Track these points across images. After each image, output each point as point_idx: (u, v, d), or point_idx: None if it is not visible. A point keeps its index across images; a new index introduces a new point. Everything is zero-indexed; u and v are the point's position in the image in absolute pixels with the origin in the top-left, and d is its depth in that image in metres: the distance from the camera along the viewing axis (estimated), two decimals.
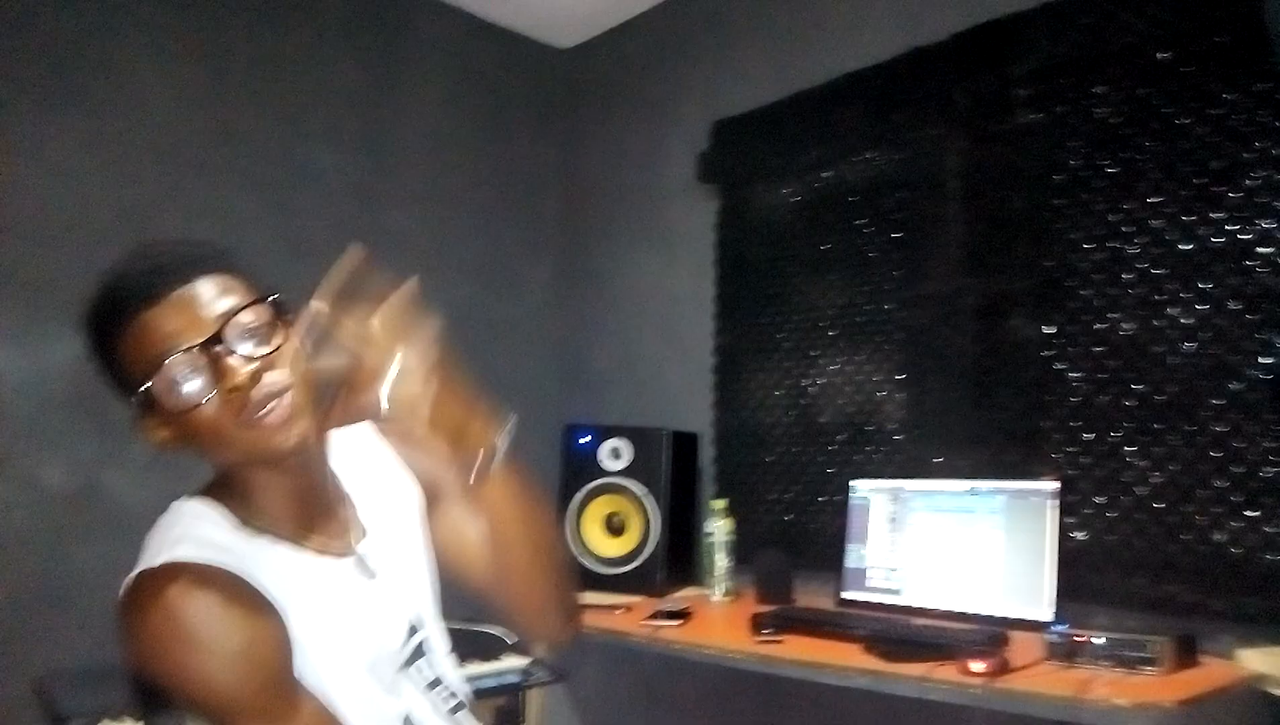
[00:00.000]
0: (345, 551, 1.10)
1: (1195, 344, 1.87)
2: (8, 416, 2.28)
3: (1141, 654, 1.50)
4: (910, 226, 2.33)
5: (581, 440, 2.63)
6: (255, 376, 0.95)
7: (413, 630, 1.15)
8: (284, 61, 2.76)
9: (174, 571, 0.94)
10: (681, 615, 2.09)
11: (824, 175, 2.53)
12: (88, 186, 2.41)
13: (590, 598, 2.38)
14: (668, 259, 2.96)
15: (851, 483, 2.26)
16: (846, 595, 2.18)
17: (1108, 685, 1.44)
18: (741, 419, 2.68)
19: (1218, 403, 1.83)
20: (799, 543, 2.49)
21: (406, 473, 1.20)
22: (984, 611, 1.93)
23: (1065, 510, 1.93)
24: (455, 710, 1.16)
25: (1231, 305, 1.83)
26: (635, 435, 2.58)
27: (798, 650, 1.80)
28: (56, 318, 2.35)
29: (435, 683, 1.15)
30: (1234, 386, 1.82)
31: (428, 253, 2.99)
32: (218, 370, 0.95)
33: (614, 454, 2.59)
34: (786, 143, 2.59)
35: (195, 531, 1.01)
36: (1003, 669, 1.53)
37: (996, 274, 2.15)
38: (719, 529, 2.37)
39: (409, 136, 3.00)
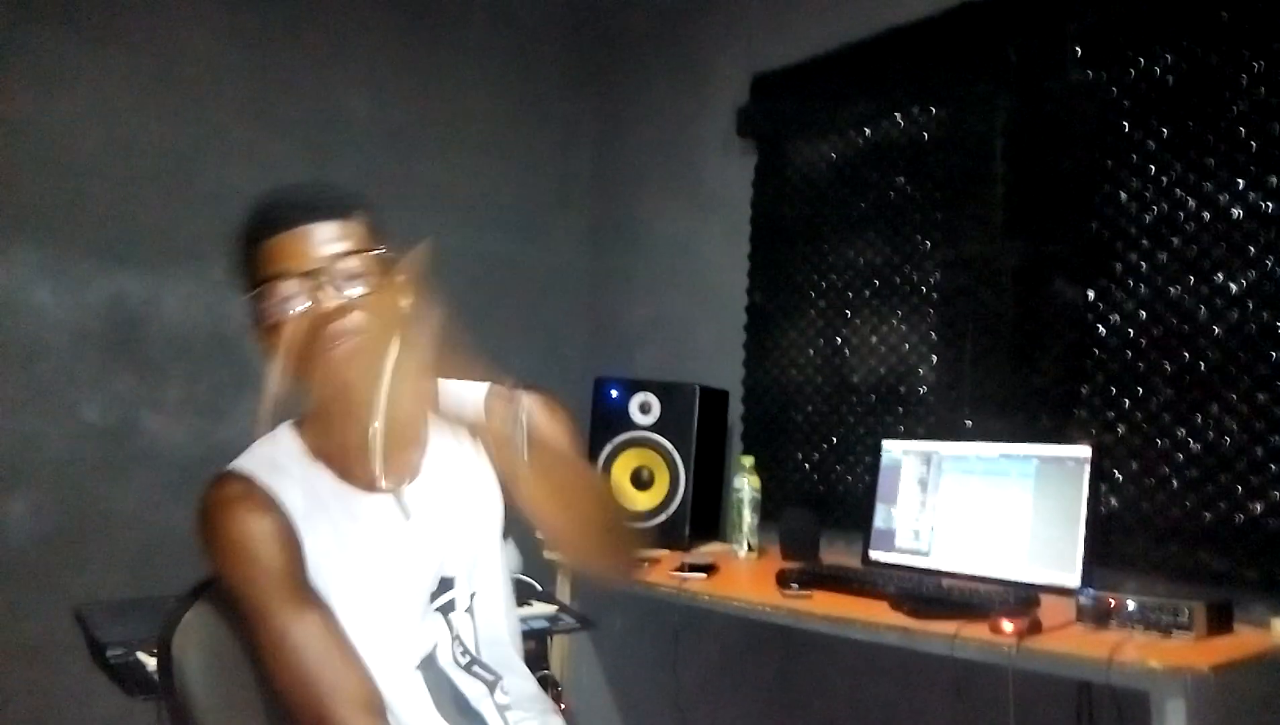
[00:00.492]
0: (388, 489, 1.17)
1: (1240, 311, 1.84)
2: (46, 353, 2.31)
3: (1175, 619, 1.49)
4: (952, 186, 2.29)
5: (611, 394, 2.63)
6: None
7: (448, 583, 1.18)
8: (321, 6, 2.74)
9: (220, 481, 1.14)
10: (708, 569, 2.10)
11: (865, 132, 2.49)
12: (125, 125, 2.42)
13: None
14: (702, 214, 2.93)
15: (882, 443, 2.25)
16: (873, 555, 2.18)
17: (1140, 648, 1.43)
18: (772, 377, 2.68)
19: (1261, 372, 1.81)
20: (826, 502, 2.49)
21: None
22: (1012, 576, 1.92)
23: (1099, 476, 1.92)
24: (469, 666, 1.19)
25: None
26: (665, 390, 2.57)
27: (825, 606, 1.80)
28: (94, 256, 2.37)
29: (457, 638, 1.19)
30: (1278, 356, 1.79)
31: (460, 203, 2.98)
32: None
33: (643, 408, 2.58)
34: (828, 98, 2.55)
35: (262, 449, 1.18)
36: (1034, 629, 1.52)
37: (1039, 236, 2.12)
38: (746, 486, 2.36)
39: (444, 85, 2.98)
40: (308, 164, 2.69)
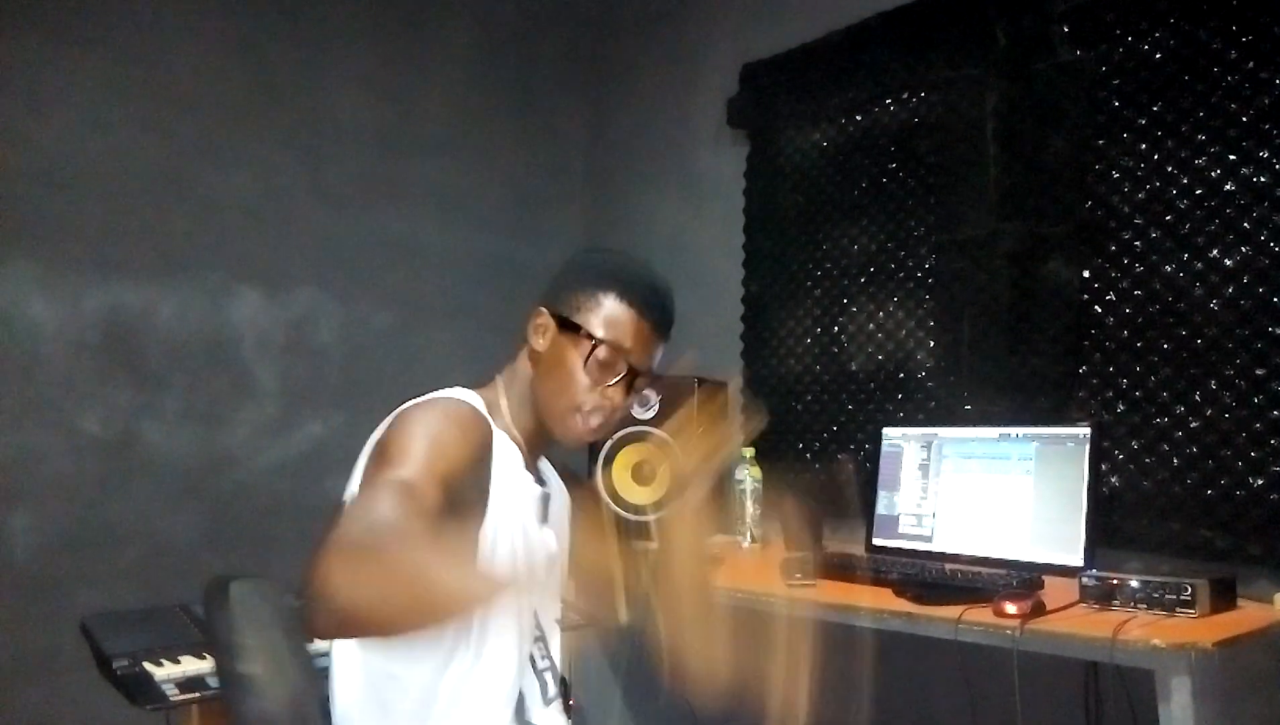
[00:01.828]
0: (540, 483, 1.30)
1: (1236, 286, 1.83)
2: (44, 366, 2.31)
3: (1178, 596, 1.49)
4: (945, 170, 2.29)
5: None
6: (617, 409, 1.25)
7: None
8: (308, 9, 2.73)
9: (456, 398, 1.19)
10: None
11: (856, 119, 2.49)
12: (117, 135, 2.41)
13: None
14: (695, 206, 2.93)
15: (883, 430, 2.25)
16: (877, 542, 2.18)
17: (1144, 627, 1.43)
18: (770, 367, 2.67)
19: (1258, 346, 1.80)
20: (828, 491, 2.49)
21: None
22: (1016, 557, 1.92)
23: (1100, 456, 1.91)
24: (543, 671, 1.28)
25: (1276, 246, 1.79)
26: (663, 384, 2.57)
27: (830, 594, 1.80)
28: (88, 267, 2.37)
29: (540, 638, 1.29)
30: (1276, 330, 1.78)
31: (454, 202, 2.98)
32: (616, 381, 1.24)
33: (642, 403, 2.58)
34: (818, 86, 2.54)
35: (466, 399, 1.24)
36: (1037, 611, 1.52)
37: (1033, 217, 2.11)
38: (748, 477, 2.36)
39: (434, 83, 2.97)
40: (300, 168, 2.69)
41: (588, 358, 1.22)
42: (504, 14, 3.13)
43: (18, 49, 2.29)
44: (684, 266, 2.95)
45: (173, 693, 1.64)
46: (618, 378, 1.23)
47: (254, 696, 1.18)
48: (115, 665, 1.71)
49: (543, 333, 1.26)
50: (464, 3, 3.03)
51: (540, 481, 1.31)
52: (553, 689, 1.29)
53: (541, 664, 1.27)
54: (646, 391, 1.31)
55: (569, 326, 1.24)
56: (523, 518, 1.24)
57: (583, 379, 1.22)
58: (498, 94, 3.10)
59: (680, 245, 2.97)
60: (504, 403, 1.27)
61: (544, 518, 1.30)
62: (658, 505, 1.17)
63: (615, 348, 1.23)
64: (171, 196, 2.49)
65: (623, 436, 2.58)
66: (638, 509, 2.52)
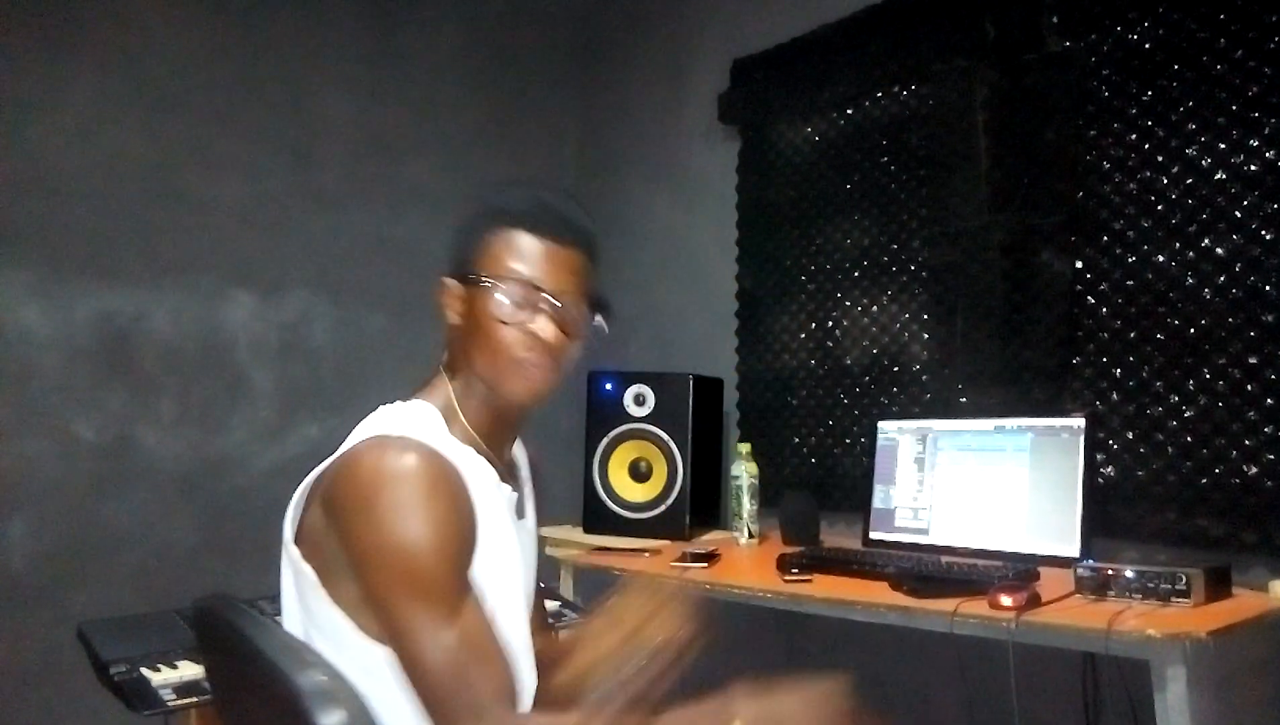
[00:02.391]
0: (511, 485, 1.19)
1: (1228, 275, 1.83)
2: (37, 372, 2.31)
3: (1174, 586, 1.49)
4: (936, 162, 2.29)
5: (605, 387, 2.62)
6: (552, 344, 1.10)
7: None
8: (295, 11, 2.73)
9: (413, 444, 1.03)
10: (709, 558, 2.10)
11: (848, 112, 2.49)
12: (105, 141, 2.41)
13: (617, 542, 2.40)
14: (688, 202, 2.93)
15: (878, 424, 2.25)
16: (874, 536, 2.18)
17: (1139, 617, 1.43)
18: (765, 362, 2.67)
19: (1251, 335, 1.80)
20: (825, 485, 2.49)
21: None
22: (1012, 549, 1.92)
23: (1094, 446, 1.92)
24: None
25: (1267, 234, 1.79)
26: (659, 381, 2.57)
27: (826, 589, 1.80)
28: (80, 273, 2.37)
29: None
30: (1268, 318, 1.78)
31: (445, 201, 2.97)
32: (542, 317, 1.10)
33: (638, 400, 2.58)
34: (809, 80, 2.54)
35: (423, 427, 1.09)
36: (1033, 603, 1.52)
37: (1025, 209, 2.11)
38: (744, 473, 2.36)
39: (424, 83, 2.97)
40: (291, 169, 2.69)
41: (499, 301, 1.09)
42: (493, 12, 3.12)
43: (6, 55, 2.28)
44: (677, 263, 2.96)
45: (170, 698, 1.64)
46: (537, 310, 1.09)
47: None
48: (112, 671, 1.70)
49: (453, 303, 1.13)
50: (452, 2, 3.03)
51: (515, 486, 1.21)
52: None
53: None
54: (582, 307, 1.12)
55: (472, 281, 1.11)
56: (504, 530, 1.14)
57: (503, 326, 1.09)
58: (488, 93, 3.10)
59: (673, 242, 2.97)
60: (456, 402, 1.14)
61: (520, 514, 1.22)
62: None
63: (521, 280, 1.09)
64: (162, 201, 2.48)
65: (617, 434, 2.59)
66: (634, 506, 2.53)
